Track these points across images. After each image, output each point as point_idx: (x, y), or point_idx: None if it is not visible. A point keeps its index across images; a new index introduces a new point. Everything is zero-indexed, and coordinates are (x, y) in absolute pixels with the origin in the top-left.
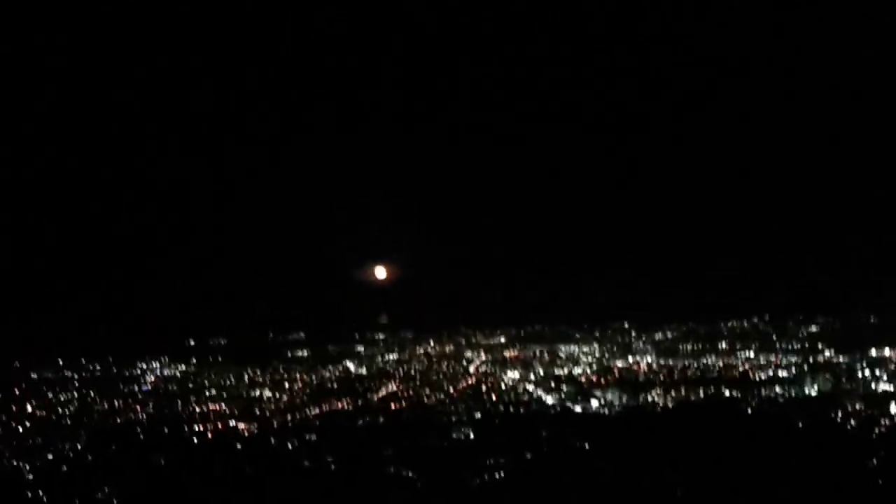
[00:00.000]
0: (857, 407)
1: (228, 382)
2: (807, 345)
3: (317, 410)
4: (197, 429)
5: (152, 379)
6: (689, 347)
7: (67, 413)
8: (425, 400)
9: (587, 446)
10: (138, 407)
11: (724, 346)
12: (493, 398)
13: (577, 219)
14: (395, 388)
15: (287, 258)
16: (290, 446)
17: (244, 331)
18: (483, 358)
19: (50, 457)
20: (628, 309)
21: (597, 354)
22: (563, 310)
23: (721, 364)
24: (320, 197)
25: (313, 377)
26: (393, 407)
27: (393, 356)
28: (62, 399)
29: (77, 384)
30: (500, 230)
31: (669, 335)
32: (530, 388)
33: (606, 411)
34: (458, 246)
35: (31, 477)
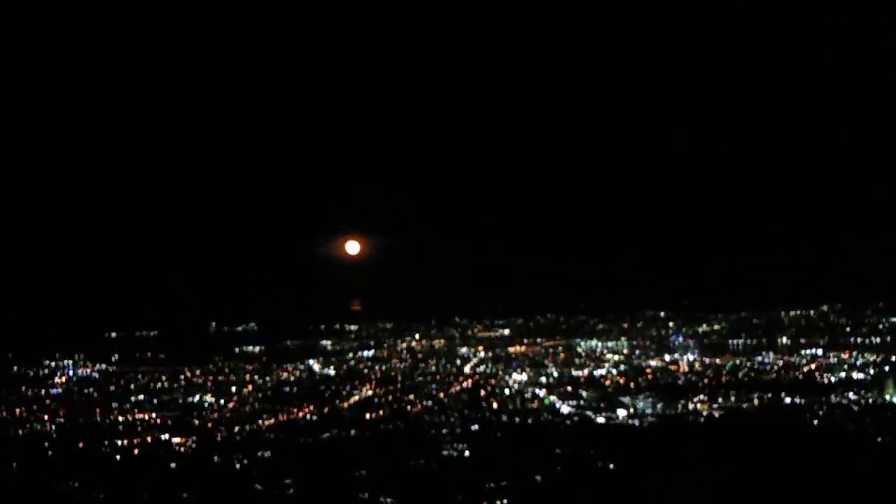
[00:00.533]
0: None
1: (160, 385)
2: (888, 339)
3: (271, 421)
4: (119, 443)
5: (63, 380)
6: (741, 343)
7: None
8: (409, 408)
9: (612, 467)
10: (45, 416)
11: (784, 341)
12: (494, 406)
13: (600, 187)
14: (370, 393)
15: (233, 229)
16: (237, 466)
17: (180, 321)
18: (482, 355)
19: None
20: (664, 294)
21: (625, 351)
22: (582, 295)
23: (780, 363)
24: (273, 153)
25: (267, 379)
26: (367, 417)
27: (368, 353)
28: None
29: None
30: (505, 195)
31: (716, 327)
32: (541, 393)
33: (636, 423)
34: (451, 214)
35: None
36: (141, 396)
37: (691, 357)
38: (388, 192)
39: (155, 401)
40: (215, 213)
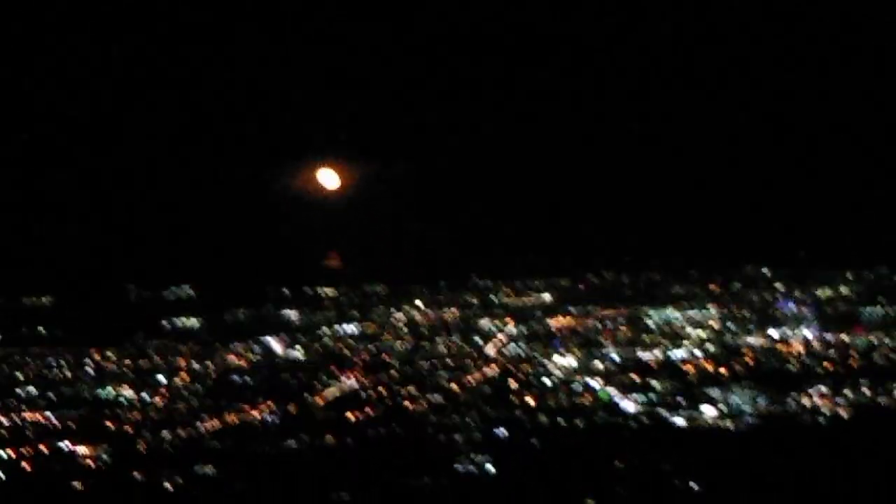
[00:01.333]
0: None
1: (57, 374)
2: None
3: (214, 423)
4: (4, 454)
5: None
6: (879, 313)
7: None
8: (408, 406)
9: (696, 487)
10: None
11: None
12: (529, 402)
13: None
14: (353, 385)
15: (158, 150)
16: (167, 486)
17: (85, 283)
18: (511, 331)
19: None
20: (770, 244)
21: (714, 324)
22: (653, 244)
23: None
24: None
25: (208, 365)
26: (350, 418)
27: (350, 328)
28: None
29: None
30: (538, 99)
31: (843, 290)
32: (594, 383)
33: (731, 425)
34: (467, 127)
35: None
36: (31, 389)
37: (808, 333)
38: (377, 98)
39: (51, 395)
40: (132, 126)
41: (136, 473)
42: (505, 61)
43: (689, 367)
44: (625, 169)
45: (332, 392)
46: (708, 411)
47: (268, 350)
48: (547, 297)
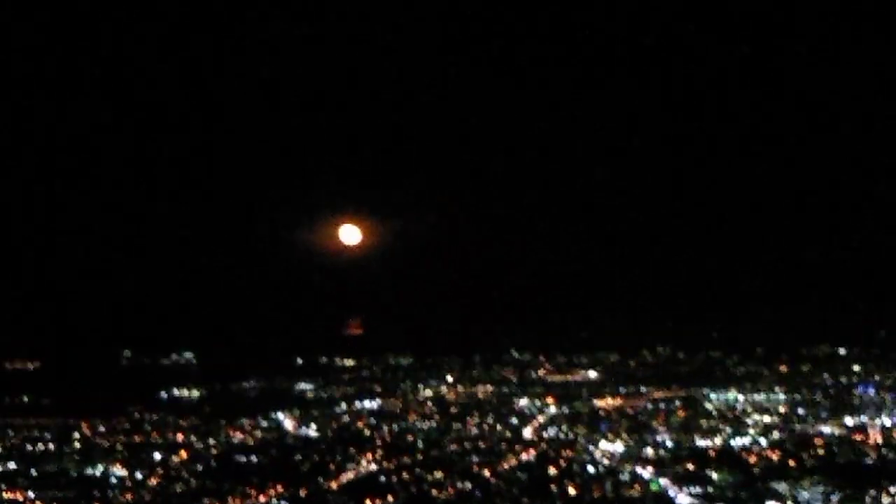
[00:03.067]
0: None
1: (42, 448)
2: None
3: None
4: None
5: None
6: None
7: None
8: (434, 493)
9: None
10: None
11: None
12: (571, 492)
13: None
14: (373, 468)
15: (164, 205)
16: None
17: (77, 347)
18: (552, 411)
19: None
20: (845, 322)
21: (781, 409)
22: (714, 319)
23: None
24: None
25: (210, 442)
26: None
27: (371, 403)
28: None
29: None
30: (592, 155)
31: None
32: (644, 473)
33: None
34: (506, 184)
35: None
36: (11, 465)
37: (888, 421)
38: (405, 154)
39: (33, 472)
40: (136, 179)
41: None
42: (539, 118)
43: (752, 458)
44: (684, 232)
45: (348, 476)
46: None
47: (278, 427)
48: (593, 374)
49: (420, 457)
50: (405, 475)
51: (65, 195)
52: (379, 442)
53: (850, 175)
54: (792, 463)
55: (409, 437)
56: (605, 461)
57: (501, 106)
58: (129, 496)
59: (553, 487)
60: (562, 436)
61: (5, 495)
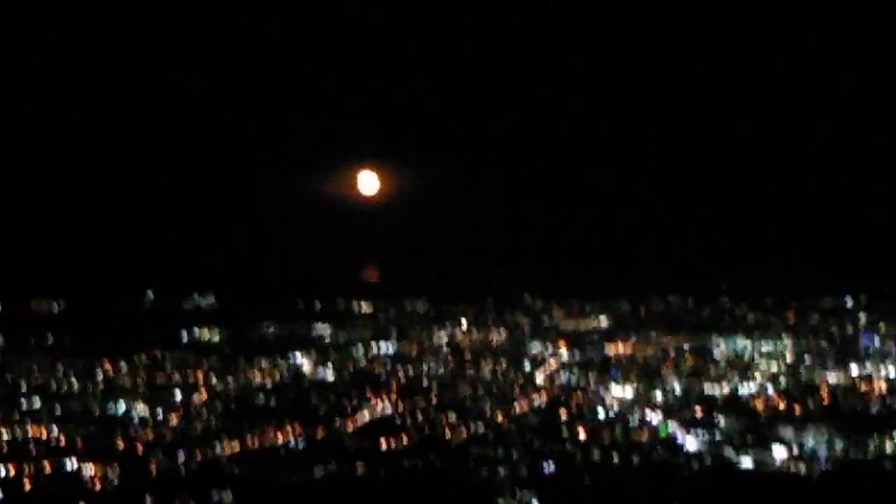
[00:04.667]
0: None
1: (65, 386)
2: None
3: (234, 446)
4: (3, 470)
5: None
6: None
7: None
8: (448, 435)
9: None
10: None
11: None
12: (581, 436)
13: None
14: (388, 411)
15: (186, 152)
16: None
17: (99, 287)
18: (564, 357)
19: None
20: (852, 273)
21: (787, 358)
22: (724, 267)
23: None
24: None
25: (230, 382)
26: (384, 446)
27: (387, 347)
28: None
29: None
30: (609, 105)
31: None
32: (654, 418)
33: (803, 469)
34: (526, 132)
35: None
36: (36, 402)
37: (892, 371)
38: (426, 104)
39: (58, 409)
40: (159, 127)
41: (147, 499)
42: (556, 71)
43: (758, 404)
44: (696, 183)
45: (364, 417)
46: (778, 453)
47: (295, 368)
48: (604, 321)
49: (434, 400)
50: (419, 417)
51: (92, 140)
52: (394, 385)
53: (857, 131)
54: (798, 409)
55: (424, 381)
56: (616, 406)
57: (517, 59)
58: (150, 433)
59: (564, 431)
60: (573, 381)
61: (30, 430)
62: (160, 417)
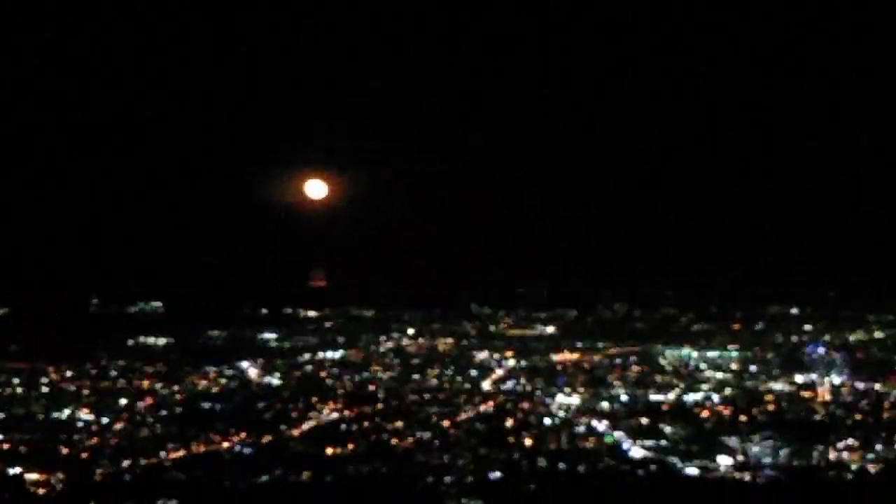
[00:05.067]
0: None
1: (11, 392)
2: None
3: (179, 453)
4: None
5: None
6: None
7: None
8: (394, 442)
9: None
10: None
11: None
12: (527, 443)
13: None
14: (334, 416)
15: (133, 158)
16: None
17: (45, 294)
18: (510, 364)
19: None
20: (798, 282)
21: (734, 366)
22: (670, 277)
23: None
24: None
25: (175, 389)
26: (330, 452)
27: (334, 354)
28: None
29: None
30: (555, 114)
31: (878, 335)
32: (600, 426)
33: (748, 477)
34: (472, 139)
35: None
36: None
37: (836, 379)
38: (372, 107)
39: (1, 415)
40: (106, 135)
41: None
42: (509, 71)
43: (704, 412)
44: (642, 189)
45: (310, 424)
46: (724, 461)
47: (242, 375)
48: (551, 329)
49: (380, 406)
50: (366, 424)
51: (39, 149)
52: (341, 391)
53: (805, 141)
54: (743, 418)
55: (371, 387)
56: (562, 414)
57: (465, 66)
58: (94, 440)
59: (510, 438)
60: (519, 388)
61: None
62: (105, 423)
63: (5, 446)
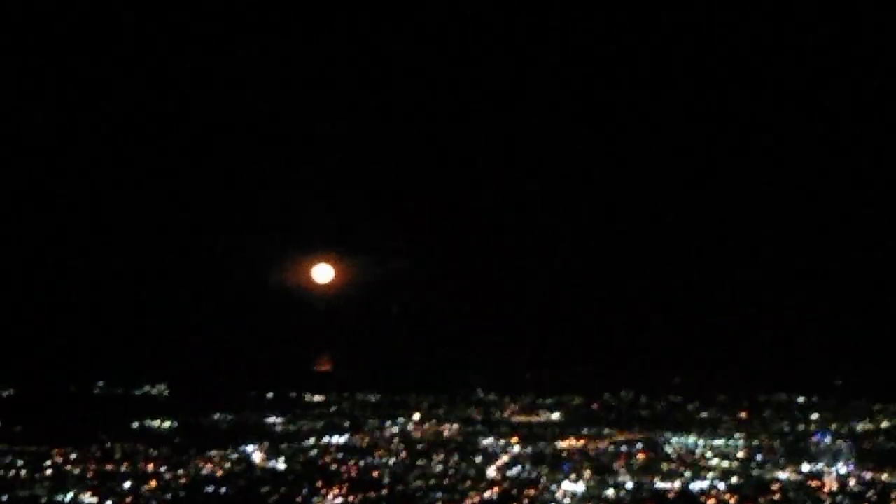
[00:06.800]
0: None
1: (15, 475)
2: None
3: None
4: None
5: None
6: None
7: None
8: None
9: None
10: None
11: None
12: None
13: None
14: (338, 501)
15: (137, 239)
16: None
17: (51, 376)
18: (515, 451)
19: None
20: (804, 371)
21: (740, 454)
22: (676, 364)
23: None
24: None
25: (180, 473)
26: None
27: (339, 439)
28: None
29: None
30: (559, 200)
31: (884, 425)
32: None
33: None
34: (478, 228)
35: None
36: None
37: (843, 469)
38: (380, 191)
39: (4, 498)
40: (109, 216)
41: None
42: (517, 157)
43: (710, 501)
44: (651, 278)
45: None
46: None
47: (246, 459)
48: (556, 416)
49: (385, 492)
50: None
51: (37, 222)
52: (345, 476)
53: (807, 220)
54: None
55: (375, 473)
56: (567, 501)
57: (474, 146)
58: None
59: None
60: (525, 475)
61: None
62: None
63: None
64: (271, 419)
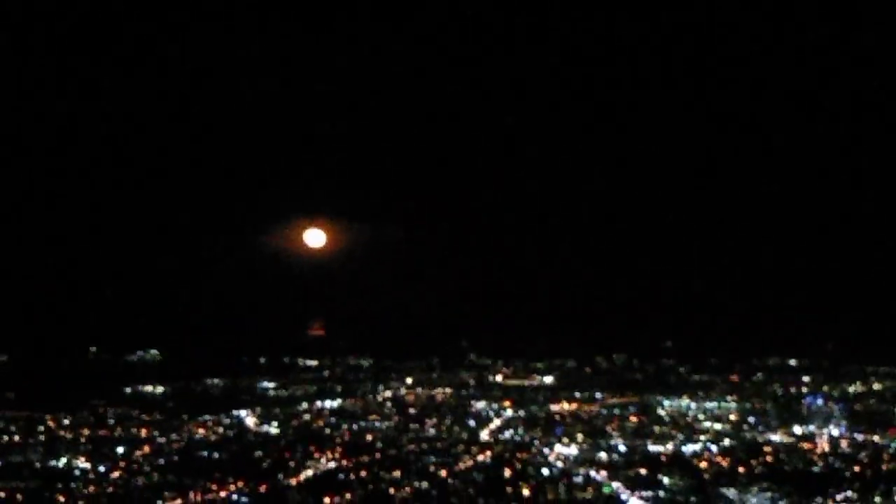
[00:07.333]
0: None
1: (8, 440)
2: None
3: (176, 501)
4: None
5: None
6: None
7: None
8: (392, 492)
9: None
10: None
11: None
12: (525, 493)
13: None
14: (331, 466)
15: (130, 206)
16: None
17: (42, 342)
18: (508, 414)
19: None
20: (797, 335)
21: (732, 417)
22: (669, 328)
23: None
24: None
25: (173, 437)
26: (326, 502)
27: (332, 403)
28: None
29: None
30: (550, 164)
31: (876, 387)
32: (598, 476)
33: None
34: (472, 190)
35: None
36: None
37: (835, 431)
38: (371, 158)
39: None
40: (102, 183)
41: None
42: (512, 123)
43: (702, 463)
44: (642, 240)
45: (307, 473)
46: None
47: (239, 424)
48: (549, 379)
49: (378, 456)
50: (363, 474)
51: (35, 194)
52: (338, 441)
53: (803, 192)
54: (741, 469)
55: (368, 437)
56: (560, 464)
57: (466, 114)
58: (91, 488)
59: (508, 488)
60: (517, 438)
61: None
62: (102, 471)
63: (2, 494)
64: (264, 384)
